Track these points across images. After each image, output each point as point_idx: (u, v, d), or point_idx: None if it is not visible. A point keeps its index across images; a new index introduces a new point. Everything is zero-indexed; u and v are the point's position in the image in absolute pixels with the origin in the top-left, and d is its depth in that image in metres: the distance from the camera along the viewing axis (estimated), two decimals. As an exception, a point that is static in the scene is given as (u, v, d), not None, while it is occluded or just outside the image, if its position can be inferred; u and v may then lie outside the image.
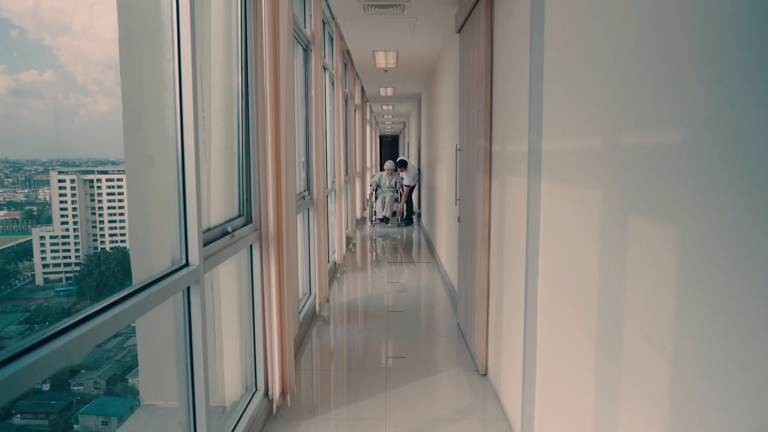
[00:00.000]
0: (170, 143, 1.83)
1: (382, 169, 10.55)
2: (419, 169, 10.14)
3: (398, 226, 10.10)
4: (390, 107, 13.27)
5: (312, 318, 4.38)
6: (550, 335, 2.04)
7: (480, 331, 3.27)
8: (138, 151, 1.81)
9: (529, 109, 2.26)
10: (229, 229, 2.30)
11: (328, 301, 4.73)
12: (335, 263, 6.12)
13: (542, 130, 2.12)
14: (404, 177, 10.01)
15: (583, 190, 1.71)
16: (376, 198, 10.38)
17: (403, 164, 10.08)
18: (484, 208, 3.17)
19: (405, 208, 10.24)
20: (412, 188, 10.10)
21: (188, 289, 1.88)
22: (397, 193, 10.30)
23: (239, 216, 2.54)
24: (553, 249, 2.02)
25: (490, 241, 3.15)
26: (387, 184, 10.17)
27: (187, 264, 1.87)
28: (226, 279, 2.52)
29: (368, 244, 8.63)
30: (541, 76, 2.12)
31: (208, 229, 2.15)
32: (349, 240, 7.93)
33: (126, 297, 1.47)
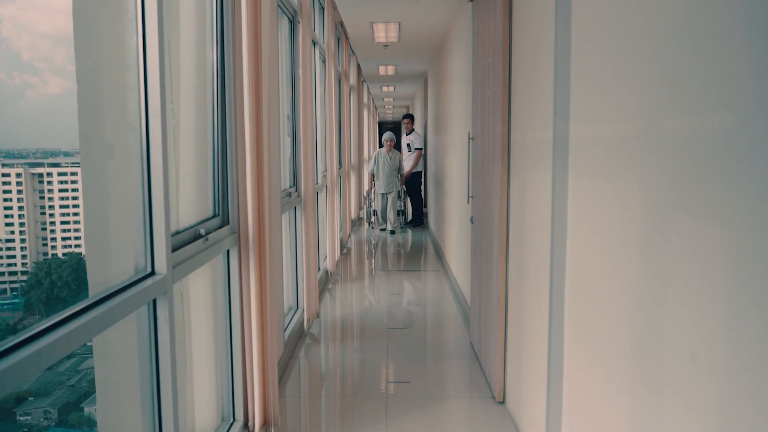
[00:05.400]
0: (133, 131, 1.83)
1: (381, 146, 9.62)
2: (425, 154, 10.10)
3: (404, 227, 10.06)
4: (391, 88, 13.29)
5: (299, 336, 4.38)
6: (578, 356, 2.04)
7: (497, 352, 3.27)
8: (95, 140, 1.81)
9: (555, 91, 2.26)
10: (202, 231, 2.30)
11: (318, 316, 4.73)
12: (327, 271, 6.13)
13: (569, 115, 2.12)
14: (413, 139, 9.86)
15: (617, 186, 1.71)
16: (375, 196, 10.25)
17: (410, 117, 10.03)
18: (501, 208, 3.17)
19: (410, 204, 10.18)
20: (419, 173, 9.96)
21: (154, 301, 1.89)
22: (401, 187, 9.68)
23: (214, 216, 2.54)
24: (582, 255, 2.02)
25: (508, 246, 3.15)
26: (388, 164, 9.40)
27: (153, 272, 1.87)
28: (199, 290, 2.52)
29: (365, 248, 8.64)
30: (568, 52, 2.13)
31: (178, 232, 2.15)
32: (343, 244, 7.94)
33: (81, 311, 1.47)
